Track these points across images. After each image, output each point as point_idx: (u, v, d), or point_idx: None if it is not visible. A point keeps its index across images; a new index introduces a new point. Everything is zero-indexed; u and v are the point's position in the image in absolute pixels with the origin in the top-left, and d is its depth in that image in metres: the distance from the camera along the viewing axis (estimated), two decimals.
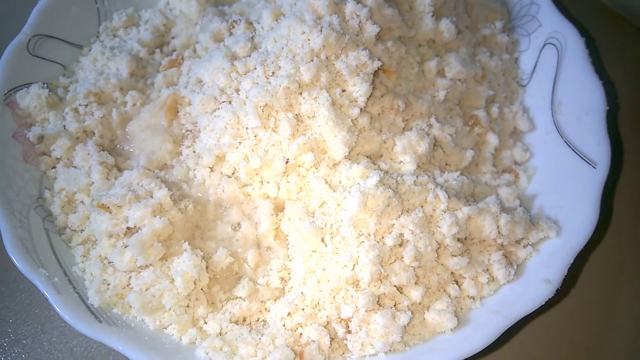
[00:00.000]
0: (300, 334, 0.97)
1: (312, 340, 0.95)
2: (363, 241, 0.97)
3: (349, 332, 0.96)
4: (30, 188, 1.07)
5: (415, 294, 0.97)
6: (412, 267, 0.98)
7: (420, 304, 0.98)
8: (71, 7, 1.21)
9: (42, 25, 1.16)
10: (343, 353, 0.97)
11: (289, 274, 1.03)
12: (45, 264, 0.97)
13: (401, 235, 0.99)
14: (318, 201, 1.05)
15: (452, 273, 1.02)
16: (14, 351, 1.11)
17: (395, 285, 0.98)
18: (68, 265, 1.00)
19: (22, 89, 1.12)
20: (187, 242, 1.02)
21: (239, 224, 1.07)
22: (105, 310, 0.96)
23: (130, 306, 0.97)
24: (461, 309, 1.01)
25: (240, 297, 1.02)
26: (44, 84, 1.13)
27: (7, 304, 1.15)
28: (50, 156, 1.11)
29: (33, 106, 1.11)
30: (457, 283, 1.02)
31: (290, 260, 1.04)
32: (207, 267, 1.01)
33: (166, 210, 1.02)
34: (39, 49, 1.15)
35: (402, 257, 0.98)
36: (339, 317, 0.97)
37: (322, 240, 1.01)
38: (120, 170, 1.11)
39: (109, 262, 1.01)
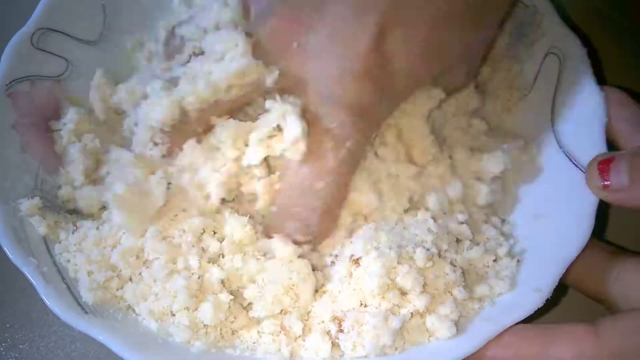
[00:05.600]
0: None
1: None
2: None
3: (341, 331, 0.94)
4: (26, 178, 1.06)
5: (419, 301, 0.94)
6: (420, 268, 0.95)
7: (421, 309, 0.95)
8: (76, 2, 1.20)
9: (46, 19, 1.15)
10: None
11: None
12: (35, 253, 0.96)
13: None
14: None
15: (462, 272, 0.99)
16: (11, 356, 1.09)
17: (399, 289, 0.95)
18: (58, 255, 0.99)
19: (23, 80, 1.12)
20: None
21: None
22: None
23: (123, 299, 0.96)
24: (466, 314, 0.97)
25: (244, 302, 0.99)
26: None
27: (5, 308, 1.13)
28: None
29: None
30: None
31: None
32: None
33: None
34: (43, 42, 1.14)
35: (412, 258, 0.96)
36: (334, 315, 0.95)
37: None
38: None
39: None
